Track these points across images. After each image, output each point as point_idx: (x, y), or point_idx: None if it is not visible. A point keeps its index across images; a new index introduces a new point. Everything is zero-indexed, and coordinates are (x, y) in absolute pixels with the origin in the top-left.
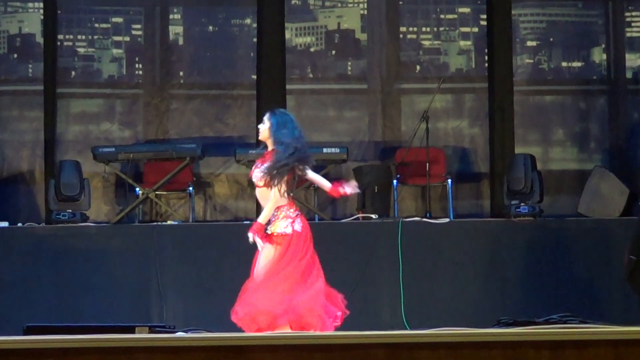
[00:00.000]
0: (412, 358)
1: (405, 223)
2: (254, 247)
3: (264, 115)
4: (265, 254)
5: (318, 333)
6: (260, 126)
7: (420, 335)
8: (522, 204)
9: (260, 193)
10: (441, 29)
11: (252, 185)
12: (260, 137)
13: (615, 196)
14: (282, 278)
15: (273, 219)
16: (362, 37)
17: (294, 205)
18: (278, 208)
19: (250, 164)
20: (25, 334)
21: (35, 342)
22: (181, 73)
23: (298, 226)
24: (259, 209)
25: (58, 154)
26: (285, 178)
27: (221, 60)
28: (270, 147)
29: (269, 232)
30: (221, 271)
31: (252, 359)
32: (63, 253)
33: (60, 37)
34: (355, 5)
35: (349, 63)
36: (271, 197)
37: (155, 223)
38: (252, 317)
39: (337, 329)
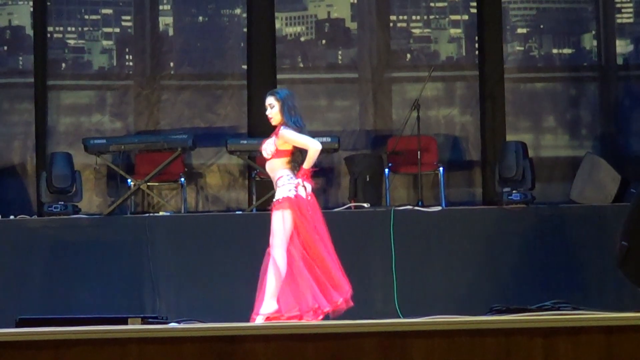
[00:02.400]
0: (406, 346)
1: (397, 212)
2: (247, 237)
3: (255, 104)
4: (273, 222)
5: (311, 322)
6: (269, 112)
7: (414, 323)
8: (514, 191)
9: (270, 165)
10: (431, 17)
11: (243, 175)
12: (274, 122)
13: (607, 182)
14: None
15: (277, 188)
16: (352, 26)
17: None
18: (279, 178)
19: (242, 154)
20: (17, 326)
21: (28, 335)
22: (171, 64)
23: (302, 191)
24: (250, 198)
25: (49, 146)
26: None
27: (211, 51)
28: (278, 123)
29: (274, 199)
30: (213, 262)
31: (244, 349)
32: (55, 245)
33: (50, 29)
34: None
35: (340, 52)
36: (282, 167)
37: (147, 214)
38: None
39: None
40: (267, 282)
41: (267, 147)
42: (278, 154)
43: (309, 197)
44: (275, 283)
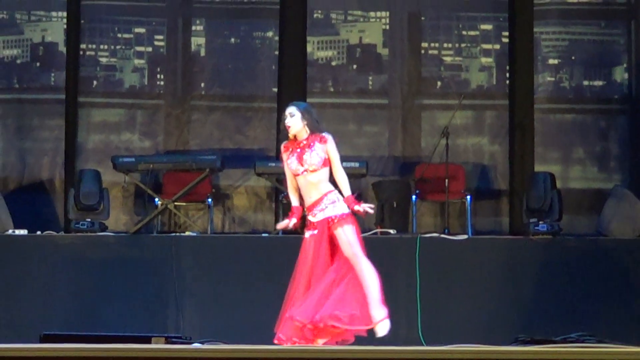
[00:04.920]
0: None
1: (423, 239)
2: (273, 260)
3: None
4: (343, 236)
5: (335, 347)
6: (289, 121)
7: (437, 351)
8: (540, 222)
9: (317, 176)
10: (463, 45)
11: (270, 198)
12: (294, 130)
13: (634, 216)
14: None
15: (326, 205)
16: (384, 52)
17: None
18: (328, 192)
19: (269, 176)
20: (41, 342)
21: (52, 351)
22: (202, 84)
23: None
24: (277, 221)
25: (78, 163)
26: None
27: (242, 73)
28: (301, 135)
29: (334, 214)
30: (238, 283)
31: None
32: (81, 262)
33: (82, 46)
34: (377, 20)
35: (370, 78)
36: (326, 179)
37: (174, 234)
38: None
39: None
40: (370, 291)
41: (309, 159)
42: (325, 163)
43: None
44: (378, 288)
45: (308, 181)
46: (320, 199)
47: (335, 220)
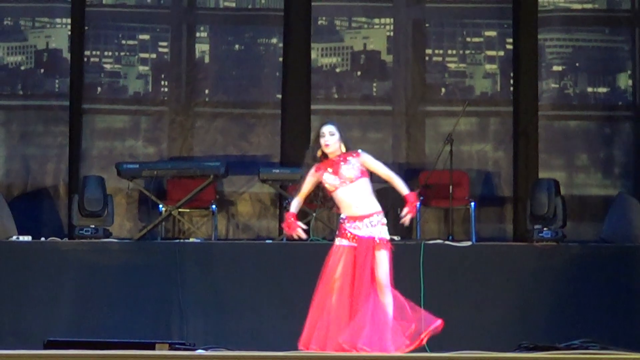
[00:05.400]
0: None
1: (427, 245)
2: (277, 267)
3: (289, 133)
4: (384, 261)
5: (340, 354)
6: (329, 139)
7: (441, 358)
8: (545, 228)
9: (357, 186)
10: (467, 52)
11: (274, 205)
12: (332, 149)
13: (638, 223)
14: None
15: (374, 224)
16: (388, 58)
17: None
18: (379, 212)
19: (274, 183)
20: (45, 348)
21: (56, 357)
22: (207, 91)
23: None
24: (281, 227)
25: (82, 169)
26: None
27: (247, 79)
28: (336, 154)
29: (381, 237)
30: (242, 290)
31: None
32: (85, 268)
33: (87, 53)
34: (382, 26)
35: (374, 84)
36: (369, 190)
37: (178, 240)
38: None
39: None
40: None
41: (346, 172)
42: (363, 174)
43: None
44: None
45: (351, 191)
46: (371, 215)
47: (379, 244)
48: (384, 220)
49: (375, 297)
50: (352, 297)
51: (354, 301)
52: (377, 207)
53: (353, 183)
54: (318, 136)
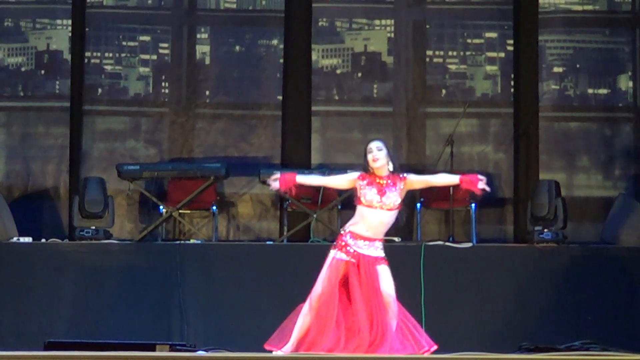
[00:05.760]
0: None
1: (428, 247)
2: (277, 268)
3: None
4: (389, 274)
5: (343, 355)
6: (377, 154)
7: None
8: (545, 230)
9: (390, 217)
10: (467, 53)
11: (275, 206)
12: (380, 164)
13: (639, 224)
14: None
15: (377, 247)
16: (389, 60)
17: None
18: (382, 239)
19: None
20: (46, 349)
21: (56, 358)
22: (207, 92)
23: None
24: (281, 229)
25: (83, 170)
26: None
27: (247, 80)
28: (382, 171)
29: (380, 255)
30: (243, 291)
31: None
32: (86, 270)
33: (87, 54)
34: (382, 28)
35: (375, 85)
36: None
37: (178, 242)
38: None
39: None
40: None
41: (393, 197)
42: (400, 205)
43: None
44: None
45: (381, 218)
46: (379, 240)
47: (381, 258)
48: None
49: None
50: (354, 309)
51: (369, 313)
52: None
53: (390, 212)
54: (366, 152)
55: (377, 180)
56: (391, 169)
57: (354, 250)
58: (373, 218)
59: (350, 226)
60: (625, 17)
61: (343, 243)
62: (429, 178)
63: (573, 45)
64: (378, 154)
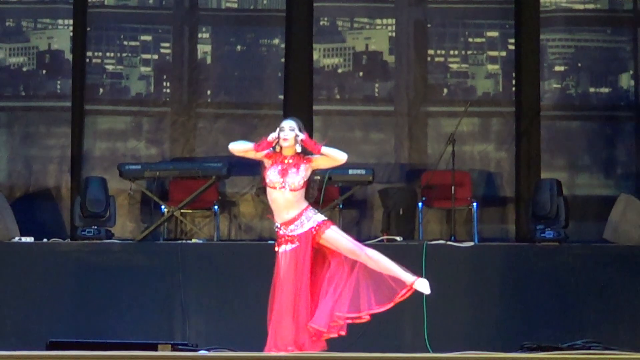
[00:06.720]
0: None
1: (430, 246)
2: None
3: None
4: (338, 232)
5: (341, 354)
6: (289, 134)
7: (443, 358)
8: (547, 229)
9: (295, 195)
10: (469, 52)
11: None
12: (288, 144)
13: None
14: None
15: (307, 219)
16: (390, 59)
17: None
18: (306, 209)
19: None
20: (48, 349)
21: (58, 358)
22: (209, 92)
23: None
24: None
25: (84, 170)
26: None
27: (249, 80)
28: (289, 151)
29: (315, 225)
30: (245, 290)
31: None
32: (87, 269)
33: (89, 54)
34: (384, 27)
35: (377, 85)
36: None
37: (180, 241)
38: None
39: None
40: (388, 266)
41: (294, 178)
42: (305, 184)
43: None
44: (390, 261)
45: (286, 198)
46: (300, 215)
47: (319, 229)
48: (313, 212)
49: (344, 275)
50: (309, 290)
51: (313, 293)
52: (304, 204)
53: (293, 192)
54: (278, 130)
55: (282, 160)
56: (299, 150)
57: (293, 236)
58: (278, 199)
59: (274, 218)
60: (627, 15)
61: (280, 236)
62: (329, 152)
63: (574, 44)
64: (289, 134)
